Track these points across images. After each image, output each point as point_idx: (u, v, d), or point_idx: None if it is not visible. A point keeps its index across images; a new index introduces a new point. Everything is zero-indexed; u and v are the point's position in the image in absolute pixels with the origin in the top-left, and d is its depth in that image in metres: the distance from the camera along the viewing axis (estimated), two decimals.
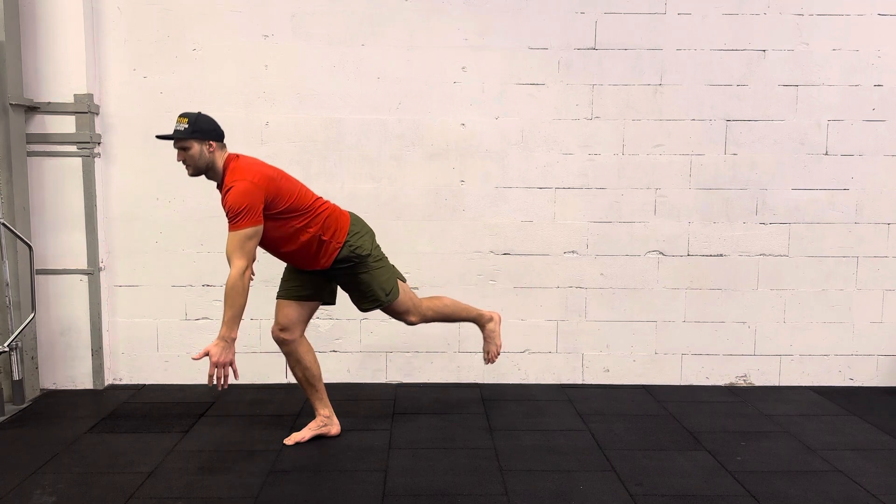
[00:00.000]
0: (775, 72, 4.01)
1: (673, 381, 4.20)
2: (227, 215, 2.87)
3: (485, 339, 3.48)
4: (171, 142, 2.97)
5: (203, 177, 4.08)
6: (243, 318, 4.07)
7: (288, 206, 2.97)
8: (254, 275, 2.99)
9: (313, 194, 3.13)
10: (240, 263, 2.81)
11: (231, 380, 2.92)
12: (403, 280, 3.31)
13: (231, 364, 2.83)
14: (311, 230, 3.02)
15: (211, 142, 2.93)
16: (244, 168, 2.93)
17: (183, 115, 2.94)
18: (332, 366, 4.07)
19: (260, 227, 2.88)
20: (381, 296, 3.18)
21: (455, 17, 3.96)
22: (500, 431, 3.44)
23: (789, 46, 4.00)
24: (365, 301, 3.22)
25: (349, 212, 3.22)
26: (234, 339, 2.83)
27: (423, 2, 3.95)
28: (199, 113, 2.97)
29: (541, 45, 3.99)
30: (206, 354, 2.79)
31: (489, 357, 3.48)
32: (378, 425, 3.50)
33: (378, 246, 3.25)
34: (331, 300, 3.32)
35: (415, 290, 4.08)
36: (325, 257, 3.08)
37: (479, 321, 3.47)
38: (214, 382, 2.80)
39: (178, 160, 2.98)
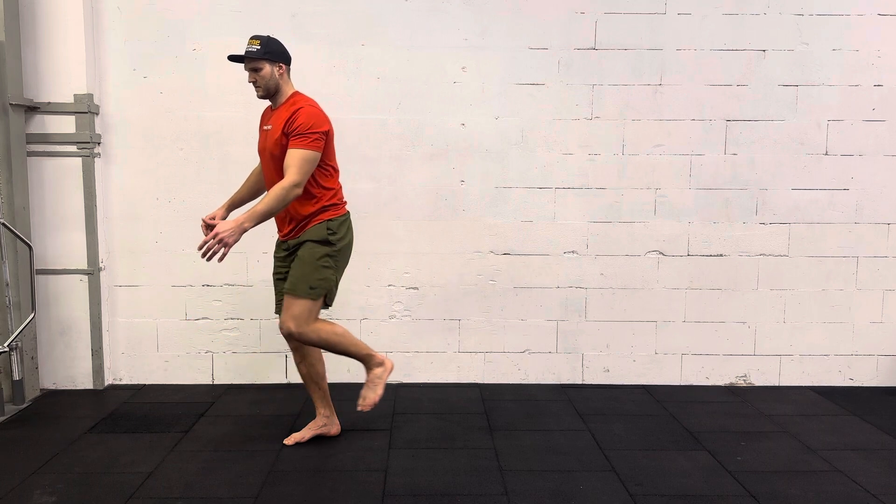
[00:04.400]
0: (775, 72, 4.01)
1: (673, 381, 4.20)
2: (293, 131, 2.91)
3: (367, 382, 3.19)
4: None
5: (202, 177, 4.09)
6: (242, 318, 4.09)
7: (329, 158, 3.06)
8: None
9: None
10: (295, 178, 2.87)
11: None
12: (325, 303, 3.14)
13: (228, 246, 2.73)
14: (324, 195, 3.05)
15: (281, 63, 3.04)
16: (312, 100, 3.07)
17: (254, 37, 3.01)
18: (332, 366, 4.04)
19: (319, 155, 2.96)
20: (304, 288, 3.00)
21: (455, 17, 3.96)
22: (500, 431, 3.44)
23: (789, 46, 4.00)
24: (288, 282, 3.06)
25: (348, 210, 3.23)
26: (245, 230, 2.79)
27: (423, 2, 3.95)
28: (269, 35, 3.07)
29: (541, 45, 3.98)
30: (215, 232, 2.71)
31: (363, 403, 3.15)
32: (378, 425, 3.50)
33: (346, 260, 3.16)
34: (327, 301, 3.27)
35: (414, 290, 4.10)
36: (307, 220, 3.04)
37: (369, 362, 3.19)
38: (204, 251, 2.72)
39: (249, 81, 3.05)
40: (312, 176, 3.00)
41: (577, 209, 4.08)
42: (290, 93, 3.09)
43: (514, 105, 4.02)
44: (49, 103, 3.83)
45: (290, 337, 3.11)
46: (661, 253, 4.12)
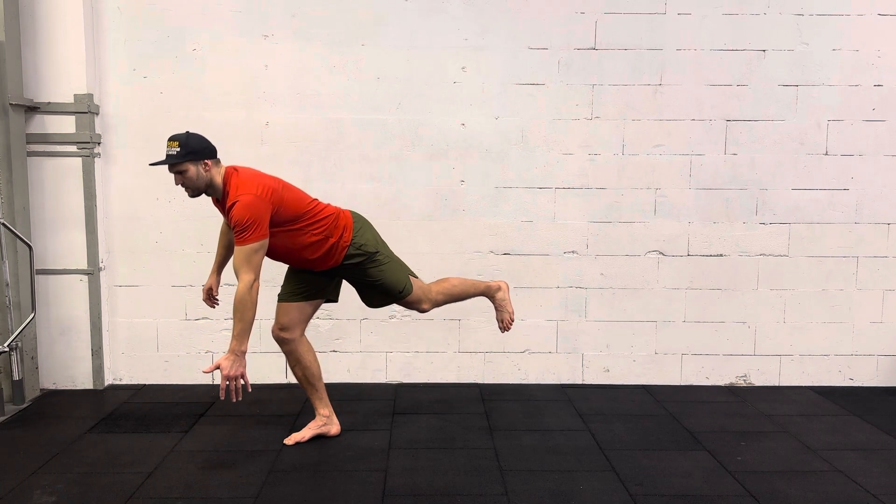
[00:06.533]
0: (775, 72, 4.01)
1: (673, 381, 4.20)
2: (233, 230, 2.85)
3: (496, 309, 3.48)
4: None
5: None
6: None
7: (294, 215, 2.98)
8: None
9: (312, 198, 3.12)
10: (247, 277, 2.82)
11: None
12: (413, 274, 3.31)
13: (243, 376, 2.85)
14: (318, 234, 3.03)
15: (206, 161, 2.89)
16: (247, 181, 2.89)
17: (172, 139, 2.87)
18: (332, 366, 4.07)
19: (266, 241, 2.88)
20: (395, 293, 3.22)
21: (455, 17, 3.96)
22: (500, 431, 3.44)
23: (789, 46, 4.00)
24: (378, 299, 3.28)
25: (349, 210, 3.23)
26: (244, 353, 2.85)
27: (423, 2, 3.95)
28: (189, 133, 2.92)
29: (541, 45, 3.98)
30: (218, 367, 2.82)
31: (504, 325, 3.48)
32: (378, 425, 3.50)
33: (384, 242, 3.26)
34: (334, 298, 3.33)
35: None
36: (334, 257, 3.10)
37: (488, 293, 3.47)
38: (226, 396, 2.84)
39: (177, 184, 2.94)
40: (298, 230, 2.98)
41: (577, 209, 4.08)
42: (222, 183, 2.93)
43: (514, 105, 4.02)
44: (49, 103, 3.83)
45: (283, 342, 3.20)
46: (661, 253, 4.12)
